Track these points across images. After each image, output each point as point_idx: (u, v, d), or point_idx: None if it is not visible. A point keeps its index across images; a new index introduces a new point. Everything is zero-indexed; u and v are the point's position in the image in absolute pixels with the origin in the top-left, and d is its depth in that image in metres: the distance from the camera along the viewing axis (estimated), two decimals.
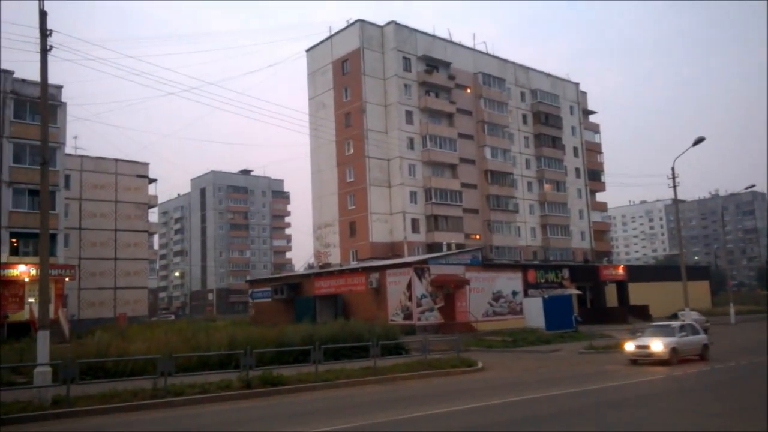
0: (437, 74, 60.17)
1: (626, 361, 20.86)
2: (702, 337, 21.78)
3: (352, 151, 57.23)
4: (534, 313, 38.77)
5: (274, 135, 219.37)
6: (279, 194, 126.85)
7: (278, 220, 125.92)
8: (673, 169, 34.65)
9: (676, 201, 37.63)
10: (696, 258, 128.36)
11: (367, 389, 16.54)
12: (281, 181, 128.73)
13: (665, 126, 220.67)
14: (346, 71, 58.80)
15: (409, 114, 57.99)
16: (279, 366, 17.90)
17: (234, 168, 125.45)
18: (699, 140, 32.23)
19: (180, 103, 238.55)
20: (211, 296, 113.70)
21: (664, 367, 19.19)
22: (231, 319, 61.23)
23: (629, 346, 21.07)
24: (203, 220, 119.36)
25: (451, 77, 61.20)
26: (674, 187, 34.67)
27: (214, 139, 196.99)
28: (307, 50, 64.21)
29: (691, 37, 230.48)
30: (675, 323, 22.57)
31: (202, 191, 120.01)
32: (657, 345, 19.96)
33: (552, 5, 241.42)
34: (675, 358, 19.90)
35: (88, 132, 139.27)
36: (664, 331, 21.15)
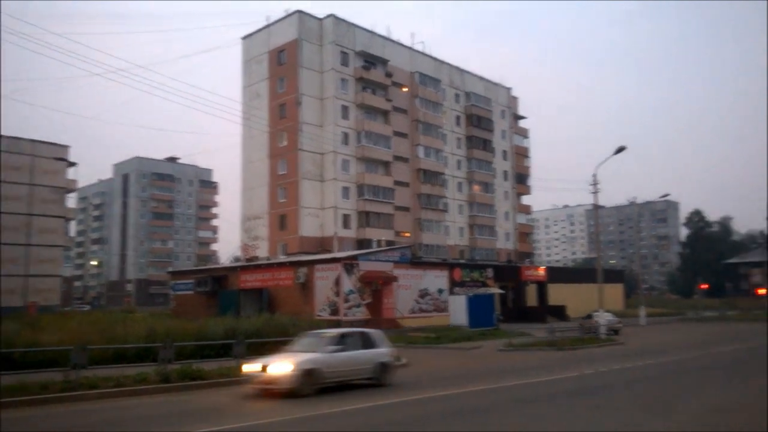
0: (375, 71, 60.32)
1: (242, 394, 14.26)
2: (378, 353, 15.64)
3: (285, 143, 56.55)
4: (458, 310, 39.58)
5: (205, 123, 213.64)
6: (207, 184, 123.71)
7: (205, 211, 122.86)
8: (594, 176, 36.15)
9: (595, 207, 39.30)
10: (612, 262, 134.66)
11: None
12: (210, 171, 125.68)
13: (593, 134, 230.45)
14: (282, 61, 57.99)
15: (345, 109, 57.86)
16: (200, 360, 17.49)
17: (161, 155, 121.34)
18: (620, 149, 33.81)
19: (108, 85, 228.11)
20: (129, 287, 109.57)
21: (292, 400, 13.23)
22: (150, 311, 59.26)
23: (251, 367, 14.20)
24: (125, 207, 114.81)
25: (389, 75, 61.51)
26: (595, 193, 36.18)
27: (140, 124, 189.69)
28: (243, 38, 62.90)
29: (623, 48, 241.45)
30: (332, 331, 16.32)
31: (125, 177, 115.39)
32: (280, 366, 13.58)
33: (491, 9, 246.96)
34: (310, 385, 13.58)
35: (5, 110, 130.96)
36: (311, 344, 14.88)
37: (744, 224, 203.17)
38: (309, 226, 54.88)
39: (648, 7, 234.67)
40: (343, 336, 15.28)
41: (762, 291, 66.43)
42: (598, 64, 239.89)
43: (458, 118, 69.87)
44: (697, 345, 28.90)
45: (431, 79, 66.01)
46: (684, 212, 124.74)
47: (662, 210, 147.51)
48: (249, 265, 49.09)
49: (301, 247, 52.94)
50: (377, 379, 15.39)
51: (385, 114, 60.96)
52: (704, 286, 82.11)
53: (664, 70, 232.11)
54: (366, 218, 57.35)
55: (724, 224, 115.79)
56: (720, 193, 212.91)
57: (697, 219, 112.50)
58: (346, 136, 57.58)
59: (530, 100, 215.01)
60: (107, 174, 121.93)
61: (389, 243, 55.74)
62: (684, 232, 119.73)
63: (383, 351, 15.96)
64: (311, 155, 55.97)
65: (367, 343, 15.72)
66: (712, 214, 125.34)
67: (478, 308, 38.75)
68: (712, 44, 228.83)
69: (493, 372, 18.90)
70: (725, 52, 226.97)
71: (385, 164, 60.18)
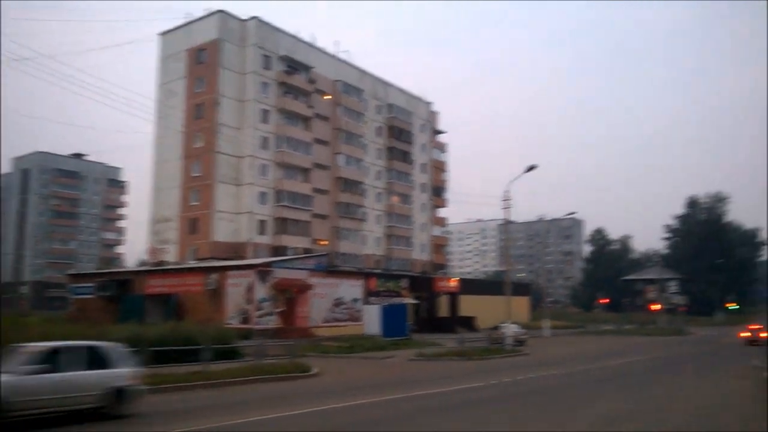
0: (297, 77, 59.87)
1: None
2: (112, 375, 12.33)
3: (201, 144, 54.94)
4: (372, 320, 39.72)
5: (116, 120, 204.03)
6: (115, 183, 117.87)
7: (111, 211, 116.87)
8: (506, 192, 37.44)
9: (506, 222, 40.71)
10: (520, 275, 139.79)
11: (195, 394, 15.88)
12: (119, 169, 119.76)
13: (510, 151, 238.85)
14: (201, 60, 56.42)
15: (265, 113, 57.00)
16: None
17: (66, 151, 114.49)
18: (530, 168, 35.24)
19: (9, 73, 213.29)
20: (24, 289, 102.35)
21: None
22: (47, 315, 55.58)
23: None
24: (23, 204, 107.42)
25: (312, 81, 61.22)
26: (506, 209, 37.46)
27: (45, 117, 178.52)
28: (161, 34, 60.69)
29: (545, 69, 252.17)
30: (39, 345, 12.20)
31: (25, 173, 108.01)
32: None
33: (417, 23, 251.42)
34: None
35: None
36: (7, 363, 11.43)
37: (642, 243, 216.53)
38: (222, 231, 53.46)
39: (567, 32, 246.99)
40: (54, 352, 11.69)
41: (656, 307, 70.96)
42: (519, 83, 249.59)
43: (380, 129, 70.51)
44: (595, 357, 30.41)
45: (354, 88, 66.30)
46: (588, 230, 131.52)
47: (568, 227, 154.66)
48: (156, 269, 47.18)
49: (213, 253, 51.45)
50: (109, 409, 12.05)
51: (306, 120, 60.57)
52: (604, 301, 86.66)
53: (576, 92, 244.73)
54: (283, 225, 56.60)
55: (624, 242, 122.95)
56: (621, 213, 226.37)
57: (599, 237, 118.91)
58: (265, 140, 56.70)
59: (451, 115, 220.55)
60: (5, 168, 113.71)
61: (306, 251, 55.26)
62: (587, 249, 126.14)
63: (120, 372, 12.46)
64: (228, 158, 54.66)
65: (96, 361, 12.22)
66: (614, 233, 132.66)
67: (392, 318, 39.05)
68: (619, 68, 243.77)
69: (403, 381, 19.06)
70: (630, 79, 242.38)
71: (305, 171, 59.72)
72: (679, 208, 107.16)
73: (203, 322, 28.27)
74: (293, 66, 59.84)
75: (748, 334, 40.90)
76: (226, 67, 55.55)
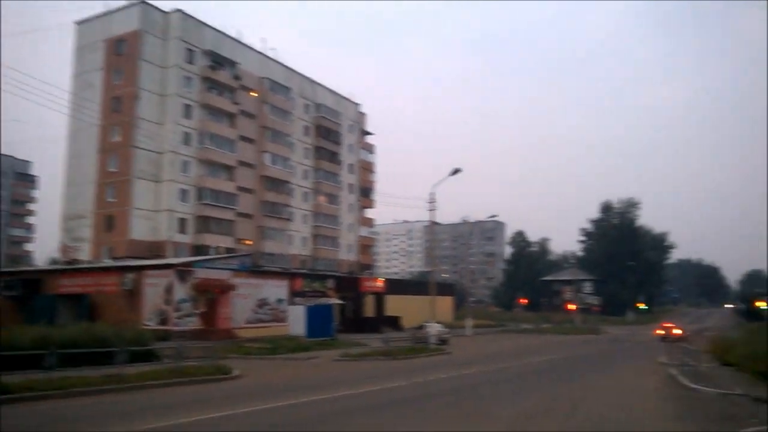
0: (222, 72, 58.44)
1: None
2: None
3: (119, 138, 52.60)
4: (297, 320, 39.27)
5: (27, 111, 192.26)
6: (24, 177, 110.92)
7: (19, 207, 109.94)
8: (432, 194, 38.02)
9: (432, 223, 41.35)
10: (445, 275, 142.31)
11: (108, 398, 15.11)
12: (29, 163, 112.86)
13: (439, 152, 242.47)
14: (120, 52, 54.03)
15: (188, 108, 55.27)
16: (2, 372, 15.45)
17: None
18: (455, 171, 35.97)
19: None
20: None
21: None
22: None
23: None
24: None
25: (237, 78, 59.92)
26: (432, 210, 38.06)
27: None
28: (78, 23, 57.67)
29: (470, 75, 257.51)
30: None
31: None
32: None
33: (348, 24, 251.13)
34: None
35: None
36: None
37: (559, 245, 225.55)
38: (140, 229, 51.40)
39: (493, 39, 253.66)
40: None
41: (571, 307, 74.03)
42: (445, 88, 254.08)
43: (307, 128, 69.90)
44: (514, 355, 31.35)
45: (282, 86, 65.42)
46: (510, 232, 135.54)
47: (491, 229, 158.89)
48: (68, 268, 44.73)
49: (129, 251, 49.36)
50: None
51: (231, 117, 59.19)
52: (523, 301, 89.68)
53: (500, 96, 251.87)
54: (205, 223, 55.06)
55: (543, 245, 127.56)
56: (541, 216, 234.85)
57: (519, 239, 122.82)
58: (187, 136, 54.98)
59: (380, 117, 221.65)
60: None
61: (229, 250, 54.00)
62: (509, 251, 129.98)
63: None
64: (147, 154, 52.62)
65: None
66: (533, 236, 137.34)
67: (317, 318, 38.75)
68: (542, 74, 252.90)
69: (326, 382, 18.91)
70: (551, 87, 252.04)
71: (229, 168, 58.34)
72: (595, 213, 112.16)
73: (118, 324, 26.98)
74: (218, 61, 58.35)
75: (662, 331, 44.03)
76: (147, 59, 53.47)
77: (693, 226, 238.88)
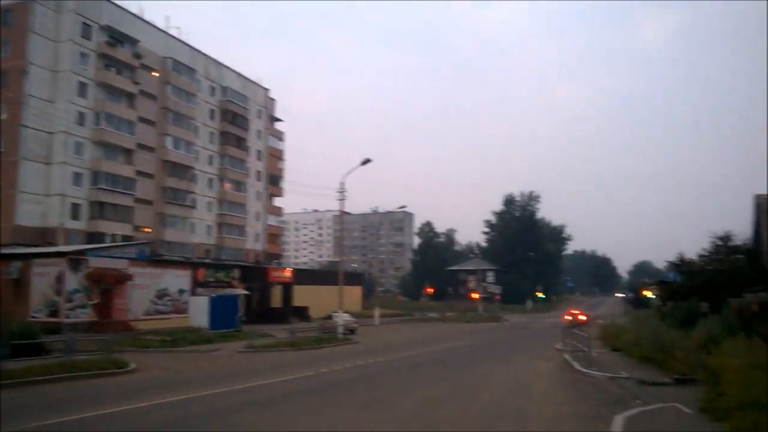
0: (121, 50, 55.14)
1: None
2: None
3: (4, 116, 48.39)
4: (199, 312, 37.96)
5: None
6: None
7: None
8: (342, 184, 37.79)
9: (342, 213, 41.16)
10: (354, 265, 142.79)
11: None
12: None
13: (349, 143, 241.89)
14: (7, 22, 49.63)
15: (83, 86, 51.74)
16: None
17: None
18: (366, 161, 35.89)
19: None
20: None
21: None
22: None
23: None
24: None
25: (138, 56, 56.76)
26: (341, 200, 37.84)
27: None
28: None
29: (383, 67, 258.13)
30: None
31: None
32: None
33: (259, 9, 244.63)
34: None
35: None
36: None
37: (465, 236, 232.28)
38: (27, 215, 47.69)
39: (404, 36, 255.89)
40: None
41: (476, 295, 76.39)
42: (360, 77, 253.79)
43: (213, 112, 67.48)
44: (420, 343, 31.88)
45: (186, 67, 62.68)
46: (418, 223, 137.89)
47: (400, 219, 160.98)
48: None
49: (15, 238, 45.70)
50: None
51: (130, 97, 56.03)
52: (430, 290, 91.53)
53: (411, 93, 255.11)
54: (100, 209, 51.95)
55: (449, 236, 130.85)
56: (448, 207, 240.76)
57: (427, 230, 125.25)
58: (82, 116, 51.50)
59: (293, 105, 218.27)
60: None
61: (126, 238, 51.29)
62: (417, 241, 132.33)
63: None
64: (37, 133, 48.79)
65: None
66: (440, 226, 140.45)
67: (221, 309, 37.60)
68: (458, 69, 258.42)
69: (228, 375, 18.33)
70: (461, 84, 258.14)
71: (127, 152, 55.29)
72: (499, 205, 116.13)
73: (3, 316, 25.00)
74: (117, 38, 54.98)
75: (570, 317, 47.63)
76: (38, 32, 49.47)
77: (589, 220, 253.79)
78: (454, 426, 10.83)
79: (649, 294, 57.27)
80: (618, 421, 10.80)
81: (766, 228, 34.31)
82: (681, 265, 33.66)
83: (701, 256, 32.37)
